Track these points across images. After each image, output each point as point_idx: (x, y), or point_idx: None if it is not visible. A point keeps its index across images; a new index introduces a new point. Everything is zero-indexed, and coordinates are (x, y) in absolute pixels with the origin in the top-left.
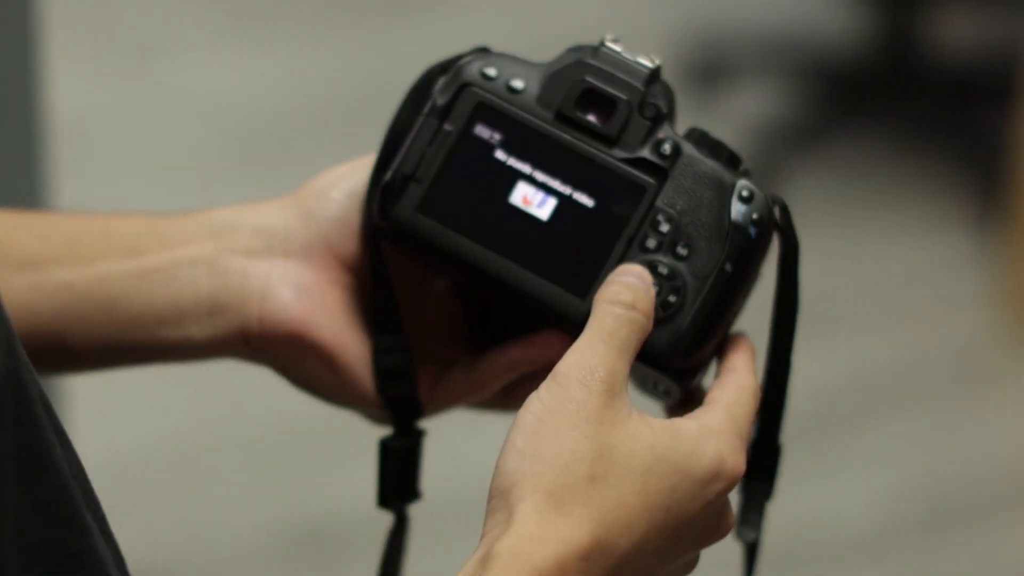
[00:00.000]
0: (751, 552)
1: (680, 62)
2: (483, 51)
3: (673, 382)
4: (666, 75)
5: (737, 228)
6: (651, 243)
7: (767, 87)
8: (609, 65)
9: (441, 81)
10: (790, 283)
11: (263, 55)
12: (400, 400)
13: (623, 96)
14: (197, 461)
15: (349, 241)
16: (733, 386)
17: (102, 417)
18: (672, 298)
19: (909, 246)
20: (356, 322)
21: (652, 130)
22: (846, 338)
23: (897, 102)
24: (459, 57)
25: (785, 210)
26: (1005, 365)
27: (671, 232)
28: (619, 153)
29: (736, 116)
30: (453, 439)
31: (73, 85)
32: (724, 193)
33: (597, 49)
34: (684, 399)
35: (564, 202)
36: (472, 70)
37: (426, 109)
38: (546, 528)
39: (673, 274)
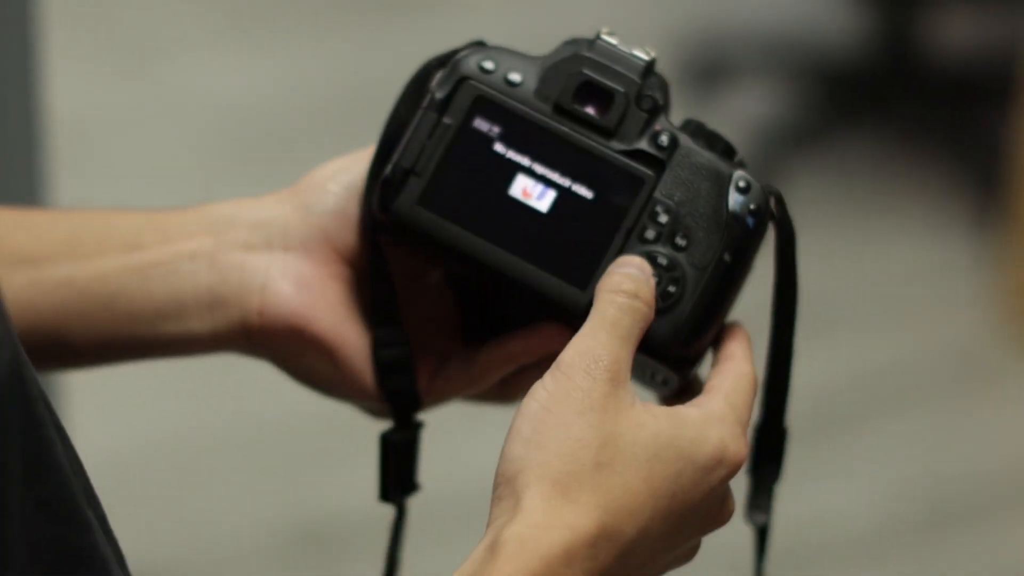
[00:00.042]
0: (762, 535)
1: (680, 62)
2: (479, 44)
3: (672, 371)
4: (667, 75)
5: (735, 218)
6: (650, 234)
7: (767, 87)
8: (606, 58)
9: (439, 75)
10: (789, 271)
11: (263, 55)
12: (400, 393)
13: (620, 88)
14: (197, 461)
15: (348, 234)
16: (732, 374)
17: (102, 417)
18: (672, 288)
19: (909, 246)
20: (355, 315)
21: (649, 122)
22: (846, 338)
23: (897, 102)
24: (456, 51)
25: (780, 200)
26: (1005, 365)
27: (670, 223)
28: (617, 145)
29: (736, 116)
30: (453, 440)
31: (73, 85)
32: (721, 184)
33: (593, 42)
34: (681, 388)
35: (563, 194)
36: (470, 63)
37: (425, 103)
38: (553, 516)
39: (672, 265)
